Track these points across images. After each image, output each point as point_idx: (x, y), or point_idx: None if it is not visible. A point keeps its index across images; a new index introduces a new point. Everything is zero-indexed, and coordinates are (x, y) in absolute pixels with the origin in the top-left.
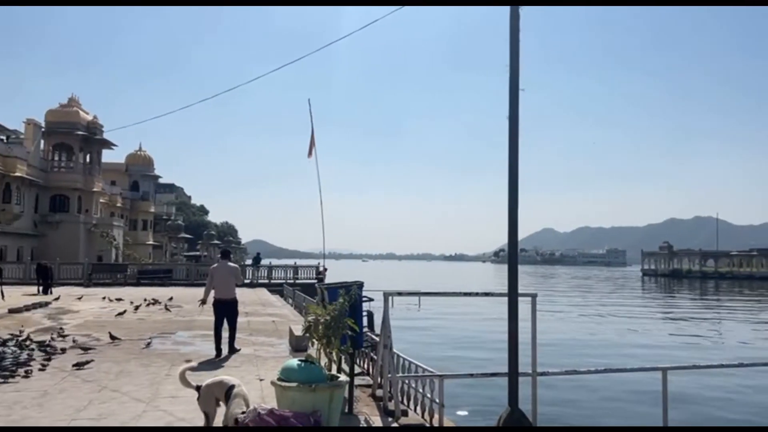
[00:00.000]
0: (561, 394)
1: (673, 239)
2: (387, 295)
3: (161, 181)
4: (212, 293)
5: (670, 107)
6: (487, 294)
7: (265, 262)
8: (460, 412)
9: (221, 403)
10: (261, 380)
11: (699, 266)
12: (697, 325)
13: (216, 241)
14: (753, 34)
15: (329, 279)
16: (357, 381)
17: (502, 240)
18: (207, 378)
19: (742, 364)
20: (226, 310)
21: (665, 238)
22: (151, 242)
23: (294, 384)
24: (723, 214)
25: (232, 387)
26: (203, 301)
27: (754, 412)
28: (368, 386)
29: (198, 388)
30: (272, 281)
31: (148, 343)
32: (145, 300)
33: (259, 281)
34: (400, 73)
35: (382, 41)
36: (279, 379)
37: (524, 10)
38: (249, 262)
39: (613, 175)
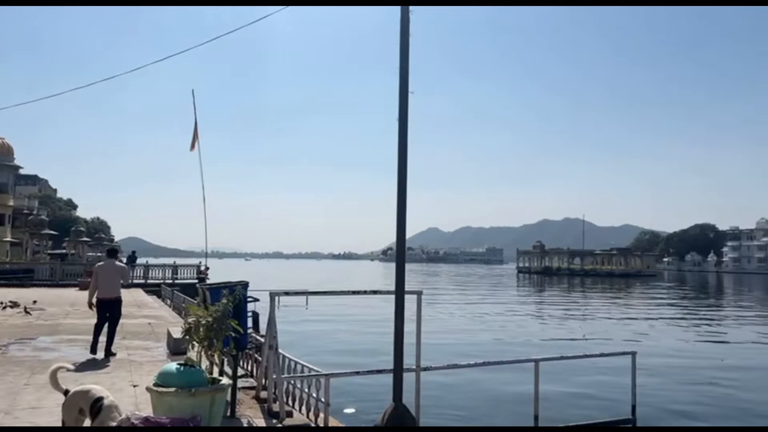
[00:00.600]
0: (444, 388)
1: (546, 239)
2: (273, 295)
3: (22, 172)
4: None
5: (547, 116)
6: (375, 292)
7: (141, 260)
8: (347, 410)
9: (85, 414)
10: (135, 386)
11: (567, 264)
12: (565, 318)
13: (86, 239)
14: (635, 47)
15: (212, 279)
16: (240, 383)
17: (390, 239)
18: (73, 384)
19: (603, 353)
20: (109, 310)
21: (538, 238)
22: (9, 239)
23: (172, 389)
24: (589, 216)
25: (100, 399)
26: (91, 304)
27: (614, 397)
28: (252, 388)
29: (66, 393)
30: (149, 281)
31: (2, 351)
32: (1, 303)
33: (135, 281)
34: (289, 70)
35: (277, 37)
36: (155, 385)
37: (428, 13)
38: (123, 260)
39: (492, 178)
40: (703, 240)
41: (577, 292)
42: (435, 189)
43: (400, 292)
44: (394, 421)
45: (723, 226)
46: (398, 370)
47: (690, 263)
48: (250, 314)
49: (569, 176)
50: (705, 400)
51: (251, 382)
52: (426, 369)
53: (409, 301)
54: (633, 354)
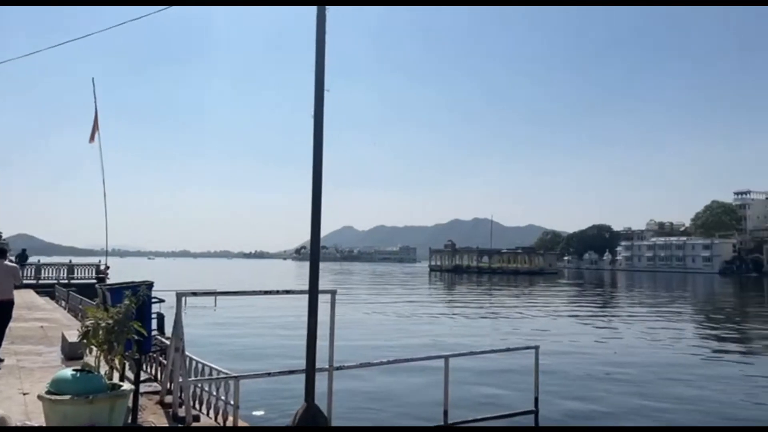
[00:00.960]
0: (358, 387)
1: (457, 238)
2: (180, 296)
3: None
4: None
5: (459, 118)
6: (288, 292)
7: (33, 260)
8: (257, 413)
9: None
10: (25, 395)
11: (476, 262)
12: (474, 314)
13: None
14: (557, 50)
15: (113, 279)
16: (144, 388)
17: (303, 237)
18: None
19: (509, 348)
20: (0, 313)
21: (450, 237)
22: None
23: (67, 397)
24: (497, 217)
25: None
26: None
27: (519, 389)
28: (156, 393)
29: None
30: (41, 281)
31: None
32: None
33: (25, 282)
34: (200, 63)
35: (187, 31)
36: (48, 392)
37: (354, 11)
38: (13, 260)
39: (407, 177)
40: (599, 240)
41: (485, 289)
42: (351, 187)
43: (313, 292)
44: (305, 422)
45: (618, 226)
46: (310, 370)
47: (588, 261)
48: (154, 316)
49: (479, 177)
50: (600, 390)
51: (155, 386)
52: (339, 368)
53: (323, 301)
54: (536, 348)
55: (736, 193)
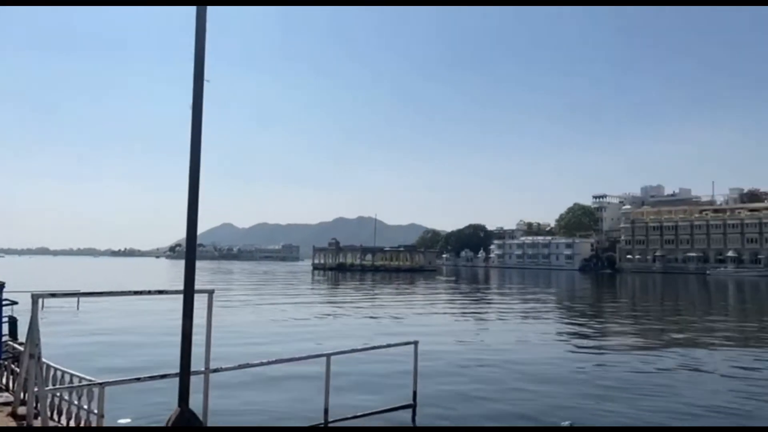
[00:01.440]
0: (236, 389)
1: (341, 236)
2: (36, 297)
3: None
4: None
5: (344, 115)
6: (160, 292)
7: None
8: (123, 420)
9: None
10: None
11: (360, 260)
12: (357, 312)
13: None
14: (428, 56)
15: None
16: None
17: (178, 235)
18: None
19: (390, 344)
20: None
21: (333, 235)
22: None
23: None
24: (380, 216)
25: None
26: None
27: (399, 385)
28: (8, 404)
29: None
30: None
31: None
32: None
33: None
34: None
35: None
36: None
37: (232, 11)
38: None
39: (291, 174)
40: (475, 238)
41: (368, 287)
42: (230, 182)
43: (189, 292)
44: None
45: (492, 226)
46: (185, 373)
47: (464, 259)
48: (5, 319)
49: (363, 176)
50: (475, 381)
51: (6, 397)
52: (215, 371)
53: (200, 301)
54: (415, 343)
55: (595, 197)
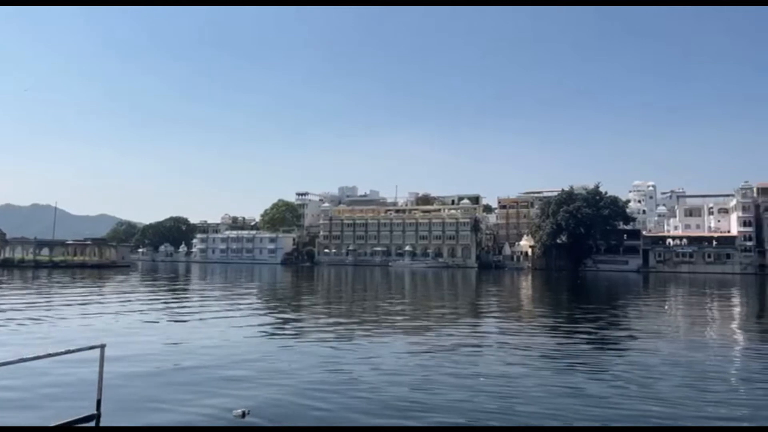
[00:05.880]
0: None
1: (9, 227)
2: None
3: None
4: None
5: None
6: None
7: None
8: None
9: None
10: None
11: (33, 255)
12: (26, 316)
13: None
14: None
15: None
16: None
17: None
18: None
19: (69, 350)
20: None
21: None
22: None
23: None
24: (62, 204)
25: None
26: None
27: (80, 394)
28: None
29: None
30: None
31: None
32: None
33: None
34: None
35: None
36: None
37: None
38: None
39: None
40: (177, 232)
41: (42, 286)
42: None
43: None
44: None
45: (195, 219)
46: None
47: (163, 254)
48: None
49: (36, 159)
50: (171, 384)
51: None
52: None
53: None
54: (102, 347)
55: (298, 194)
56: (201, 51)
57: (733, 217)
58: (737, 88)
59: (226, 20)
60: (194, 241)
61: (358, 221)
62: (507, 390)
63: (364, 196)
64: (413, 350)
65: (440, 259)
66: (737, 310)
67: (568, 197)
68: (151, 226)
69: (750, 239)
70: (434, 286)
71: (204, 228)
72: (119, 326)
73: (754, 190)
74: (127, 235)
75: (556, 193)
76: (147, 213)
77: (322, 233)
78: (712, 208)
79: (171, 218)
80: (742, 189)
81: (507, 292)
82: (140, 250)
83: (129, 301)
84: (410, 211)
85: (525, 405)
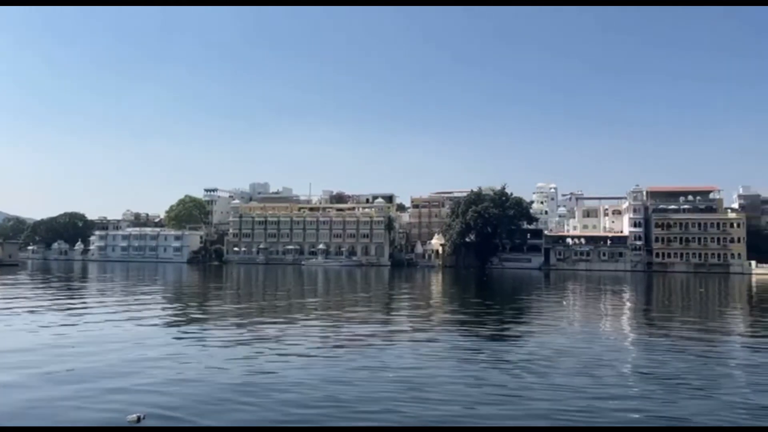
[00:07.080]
0: None
1: None
2: None
3: None
4: None
5: None
6: None
7: None
8: None
9: None
10: None
11: None
12: None
13: None
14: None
15: None
16: None
17: None
18: None
19: None
20: None
21: None
22: None
23: None
24: None
25: None
26: None
27: None
28: None
29: None
30: None
31: None
32: None
33: None
34: None
35: None
36: None
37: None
38: None
39: None
40: (72, 228)
41: None
42: None
43: None
44: None
45: (93, 215)
46: None
47: (57, 252)
48: None
49: None
50: (54, 390)
51: None
52: None
53: None
54: None
55: (206, 190)
56: (99, 40)
57: (626, 219)
58: (631, 97)
59: (123, 10)
60: (92, 238)
61: (270, 219)
62: (417, 380)
63: (277, 193)
64: (326, 347)
65: (354, 258)
66: (628, 305)
67: (476, 198)
68: (42, 222)
69: (640, 239)
70: (347, 284)
71: (103, 224)
72: (5, 327)
73: (644, 193)
74: (15, 231)
75: (465, 194)
76: (38, 208)
77: (231, 231)
78: (607, 209)
79: (66, 214)
80: (633, 192)
81: (418, 290)
82: (30, 247)
83: (19, 302)
84: (324, 209)
85: (433, 393)
